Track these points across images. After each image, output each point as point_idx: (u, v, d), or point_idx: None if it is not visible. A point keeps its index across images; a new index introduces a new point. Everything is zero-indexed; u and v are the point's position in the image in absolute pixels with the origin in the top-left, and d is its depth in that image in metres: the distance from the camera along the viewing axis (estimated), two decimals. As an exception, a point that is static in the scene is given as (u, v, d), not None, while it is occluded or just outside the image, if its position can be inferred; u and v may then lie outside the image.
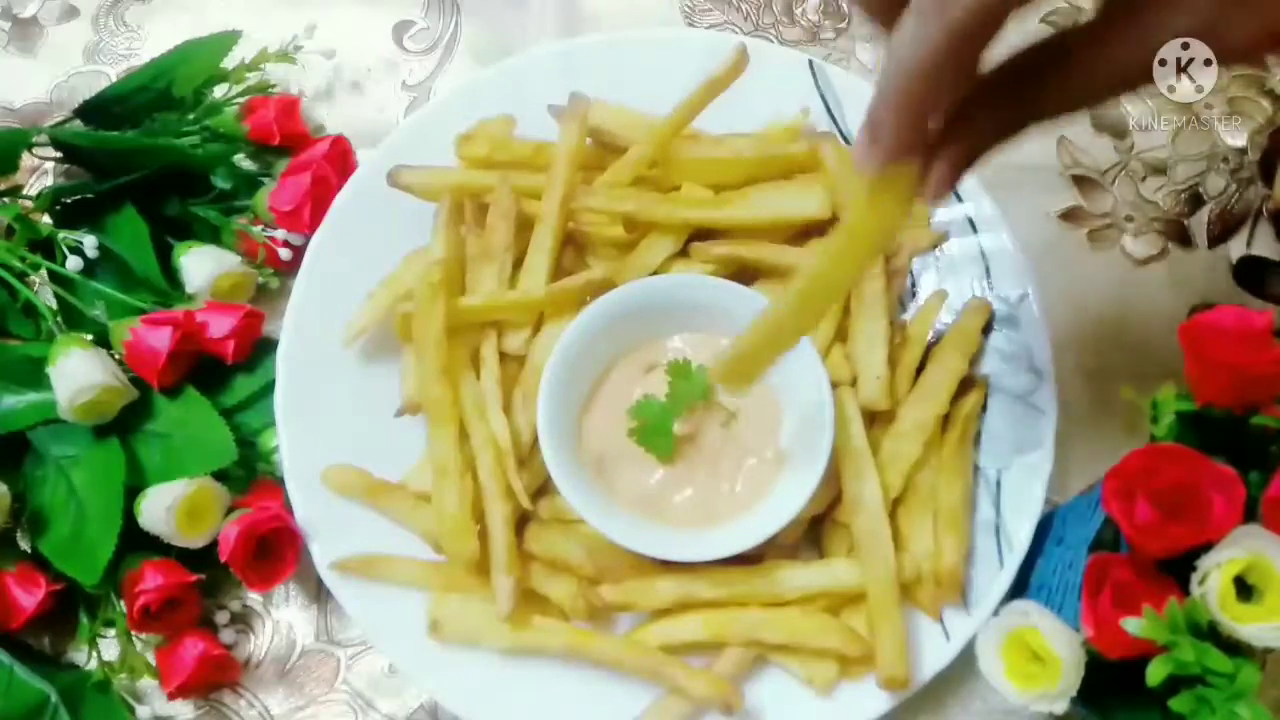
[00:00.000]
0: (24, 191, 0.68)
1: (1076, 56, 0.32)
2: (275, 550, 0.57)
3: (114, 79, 0.72)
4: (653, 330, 0.58)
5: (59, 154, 0.68)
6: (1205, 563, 0.41)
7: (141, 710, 0.59)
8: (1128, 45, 0.32)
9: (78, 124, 0.68)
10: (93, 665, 0.58)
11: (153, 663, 0.58)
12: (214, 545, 0.56)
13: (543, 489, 0.57)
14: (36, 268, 0.64)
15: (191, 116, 0.67)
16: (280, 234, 0.64)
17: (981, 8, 0.29)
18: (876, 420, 0.57)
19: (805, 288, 0.41)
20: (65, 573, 0.57)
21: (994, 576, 0.56)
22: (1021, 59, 0.34)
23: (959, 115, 0.33)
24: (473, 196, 0.61)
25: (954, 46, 0.30)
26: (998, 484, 0.57)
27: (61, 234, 0.64)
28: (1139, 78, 0.34)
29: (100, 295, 0.62)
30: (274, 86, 0.69)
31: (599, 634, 0.55)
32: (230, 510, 0.58)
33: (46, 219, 0.66)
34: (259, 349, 0.62)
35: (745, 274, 0.59)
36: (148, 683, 0.59)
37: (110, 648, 0.58)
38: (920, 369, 0.58)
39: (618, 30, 0.71)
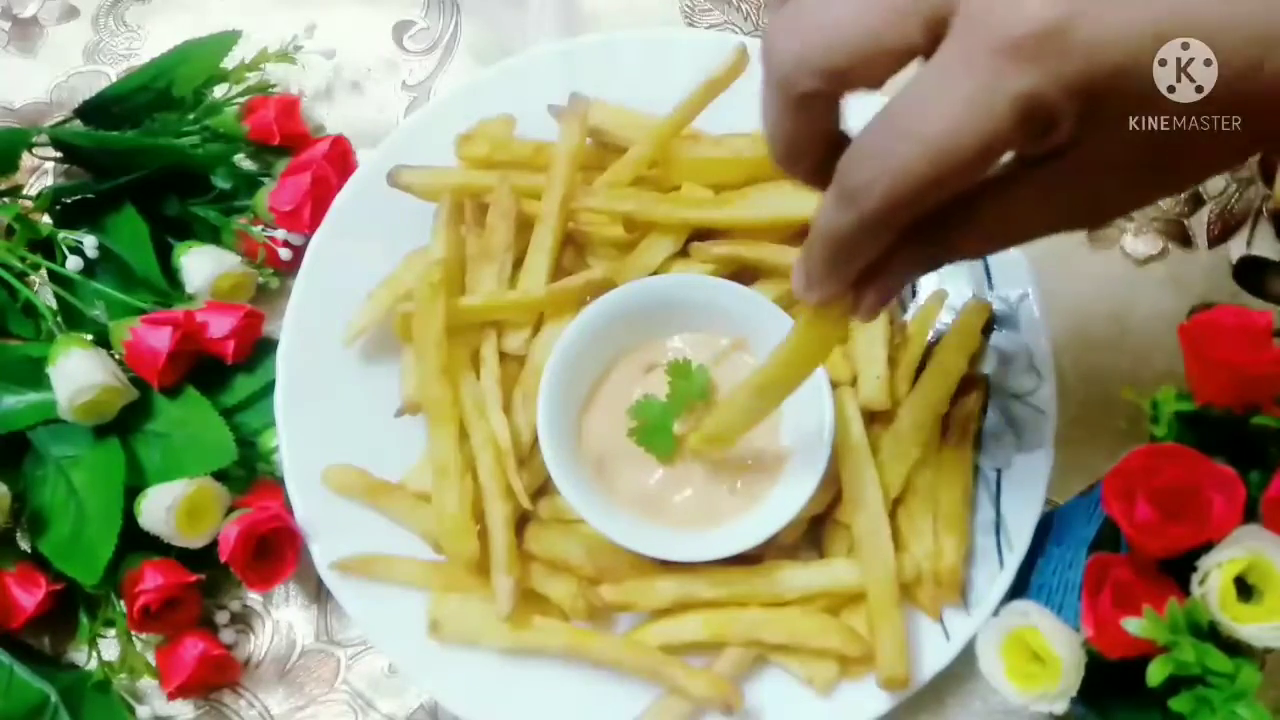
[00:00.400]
0: (24, 191, 0.68)
1: (989, 201, 0.34)
2: (275, 550, 0.57)
3: (114, 79, 0.72)
4: (653, 330, 0.58)
5: (59, 154, 0.68)
6: (1205, 563, 0.41)
7: (141, 710, 0.59)
8: (1032, 195, 0.33)
9: (78, 124, 0.68)
10: (93, 665, 0.58)
11: (153, 663, 0.58)
12: (214, 545, 0.56)
13: (543, 489, 0.57)
14: (36, 268, 0.64)
15: (191, 116, 0.67)
16: (280, 234, 0.64)
17: (890, 205, 0.31)
18: (876, 420, 0.57)
19: (761, 384, 0.48)
20: (65, 573, 0.57)
21: (994, 576, 0.56)
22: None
23: (885, 252, 0.36)
24: (473, 196, 0.61)
25: (867, 231, 0.33)
26: (998, 484, 0.57)
27: (61, 234, 0.63)
28: (1048, 225, 0.35)
29: (100, 295, 0.62)
30: (274, 86, 0.69)
31: (599, 634, 0.55)
32: (230, 510, 0.58)
33: (46, 219, 0.66)
34: (259, 349, 0.62)
35: (745, 274, 0.59)
36: (148, 683, 0.59)
37: (110, 648, 0.58)
38: (920, 369, 0.58)
39: (618, 30, 0.70)
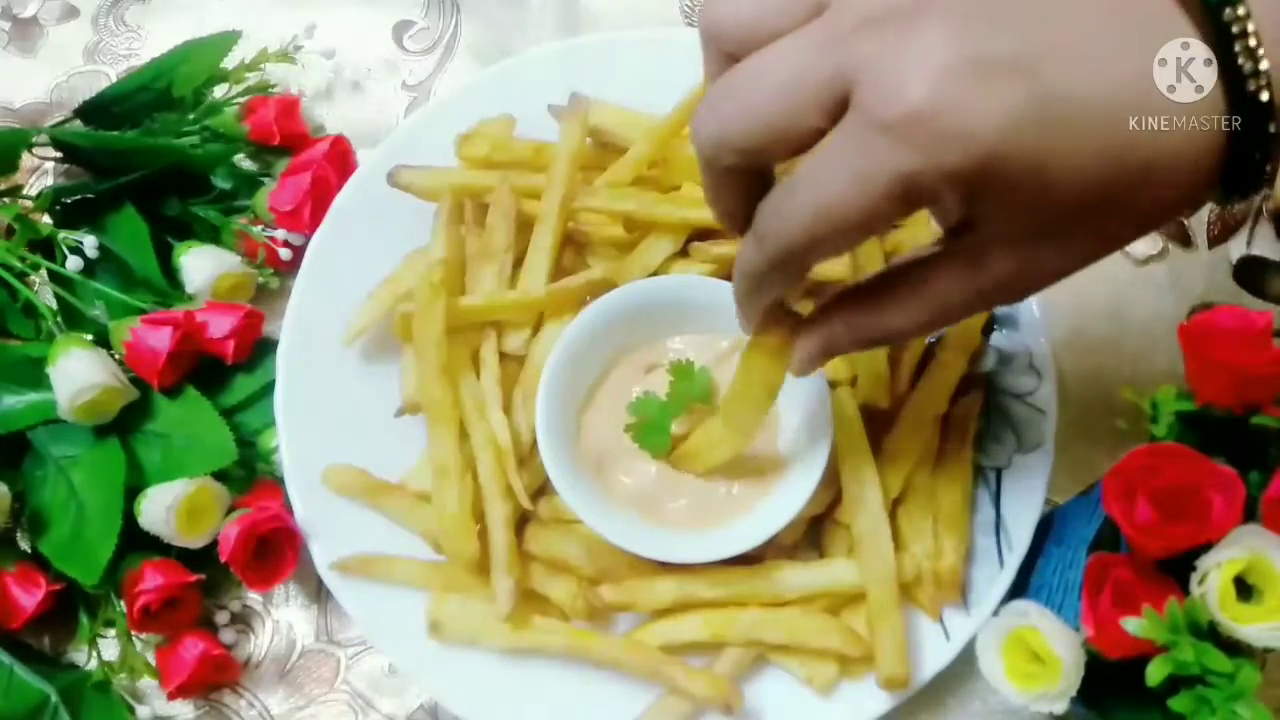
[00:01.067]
0: (24, 191, 0.68)
1: (913, 276, 0.37)
2: (275, 550, 0.57)
3: (114, 79, 0.72)
4: (653, 330, 0.58)
5: (59, 154, 0.68)
6: (1205, 563, 0.41)
7: (141, 710, 0.59)
8: (952, 270, 0.36)
9: (78, 124, 0.68)
10: (93, 665, 0.58)
11: (153, 663, 0.58)
12: (214, 545, 0.56)
13: (543, 489, 0.56)
14: (36, 268, 0.64)
15: (191, 116, 0.67)
16: (280, 234, 0.64)
17: (789, 252, 0.36)
18: (876, 420, 0.57)
19: (724, 413, 0.51)
20: (65, 573, 0.57)
21: (994, 576, 0.56)
22: (869, 281, 0.40)
23: (820, 312, 0.40)
24: (473, 196, 0.61)
25: (774, 269, 0.37)
26: (998, 484, 0.57)
27: (61, 234, 0.64)
28: (966, 300, 0.37)
29: (100, 295, 0.62)
30: (274, 86, 0.69)
31: (599, 634, 0.55)
32: (230, 510, 0.58)
33: (46, 219, 0.66)
34: (259, 349, 0.62)
35: (745, 274, 0.59)
36: (148, 683, 0.59)
37: (110, 648, 0.58)
38: (920, 369, 0.58)
39: (617, 30, 0.70)
